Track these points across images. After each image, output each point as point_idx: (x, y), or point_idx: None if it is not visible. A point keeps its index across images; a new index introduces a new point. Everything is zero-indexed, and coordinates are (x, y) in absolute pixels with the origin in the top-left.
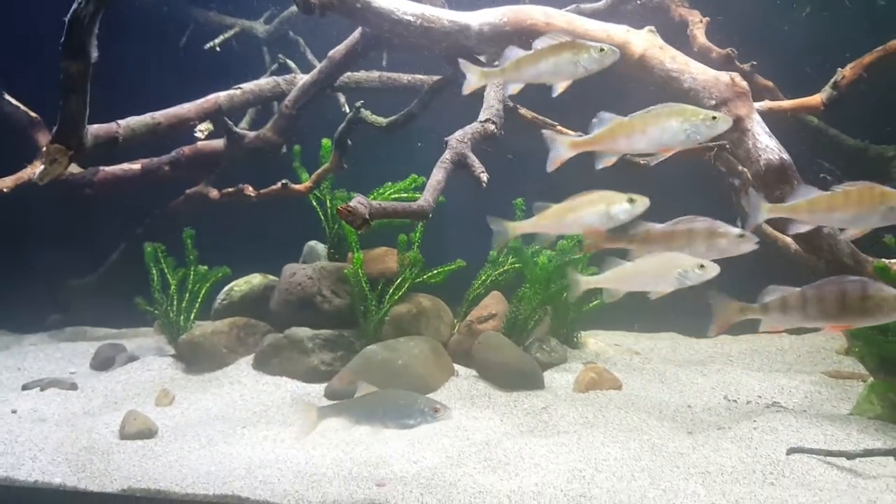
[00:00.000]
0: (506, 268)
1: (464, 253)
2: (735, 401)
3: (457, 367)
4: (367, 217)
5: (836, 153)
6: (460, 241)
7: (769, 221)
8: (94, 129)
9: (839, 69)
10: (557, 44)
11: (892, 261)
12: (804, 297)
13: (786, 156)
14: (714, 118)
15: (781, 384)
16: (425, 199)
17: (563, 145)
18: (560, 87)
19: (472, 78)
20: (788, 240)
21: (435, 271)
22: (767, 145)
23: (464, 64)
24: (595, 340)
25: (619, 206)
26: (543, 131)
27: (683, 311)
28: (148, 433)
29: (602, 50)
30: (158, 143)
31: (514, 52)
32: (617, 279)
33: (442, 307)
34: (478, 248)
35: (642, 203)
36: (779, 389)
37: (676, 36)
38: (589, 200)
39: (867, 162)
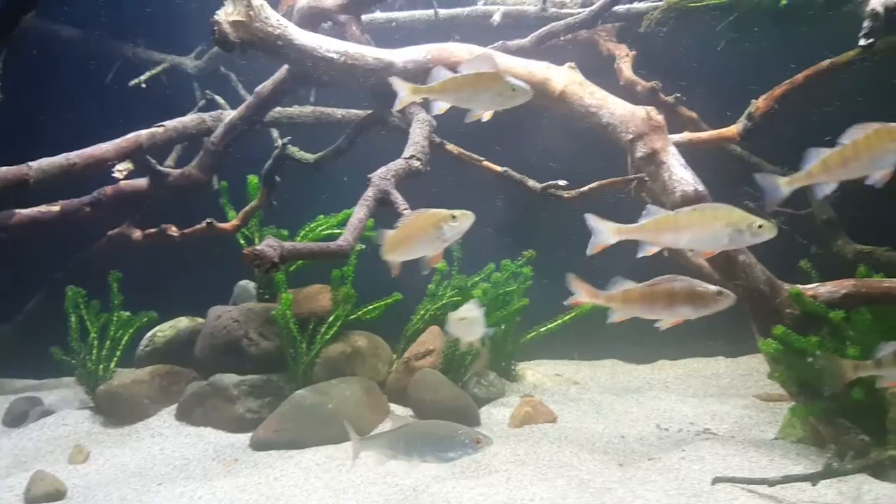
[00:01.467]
0: (444, 301)
1: (404, 286)
2: (667, 429)
3: (394, 406)
4: (277, 261)
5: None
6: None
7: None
8: (2, 172)
9: (753, 101)
10: (477, 74)
11: (808, 287)
12: None
13: (700, 187)
14: (760, 226)
15: (713, 410)
16: (345, 238)
17: (608, 231)
18: (486, 115)
19: (403, 94)
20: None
21: (370, 307)
22: (682, 177)
23: (395, 81)
24: (533, 372)
25: (447, 224)
26: (587, 216)
27: (624, 338)
28: (56, 495)
29: (513, 89)
30: (85, 183)
31: (442, 73)
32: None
33: (379, 344)
34: (418, 281)
35: (466, 218)
36: (710, 415)
37: (606, 69)
38: (419, 223)
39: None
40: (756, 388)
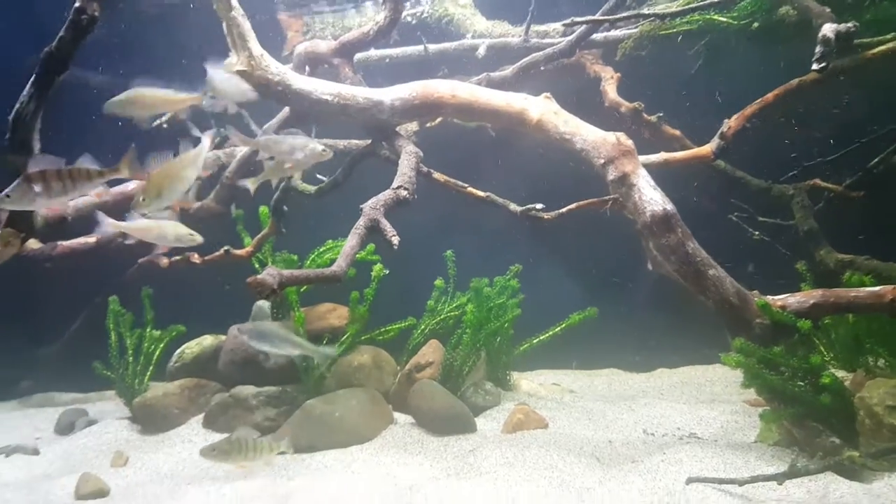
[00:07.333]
0: (443, 316)
1: (408, 303)
2: (653, 434)
3: (397, 414)
4: (276, 288)
5: (745, 192)
6: (405, 292)
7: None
8: (44, 212)
9: (725, 120)
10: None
11: (777, 297)
12: None
13: (669, 206)
14: None
15: (702, 415)
16: (339, 264)
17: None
18: None
19: None
20: None
21: (384, 329)
22: (652, 198)
23: None
24: (528, 381)
25: None
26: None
27: (624, 347)
28: (100, 493)
29: None
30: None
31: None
32: None
33: (384, 358)
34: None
35: None
36: (698, 420)
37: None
38: None
39: (771, 199)
40: (747, 393)
